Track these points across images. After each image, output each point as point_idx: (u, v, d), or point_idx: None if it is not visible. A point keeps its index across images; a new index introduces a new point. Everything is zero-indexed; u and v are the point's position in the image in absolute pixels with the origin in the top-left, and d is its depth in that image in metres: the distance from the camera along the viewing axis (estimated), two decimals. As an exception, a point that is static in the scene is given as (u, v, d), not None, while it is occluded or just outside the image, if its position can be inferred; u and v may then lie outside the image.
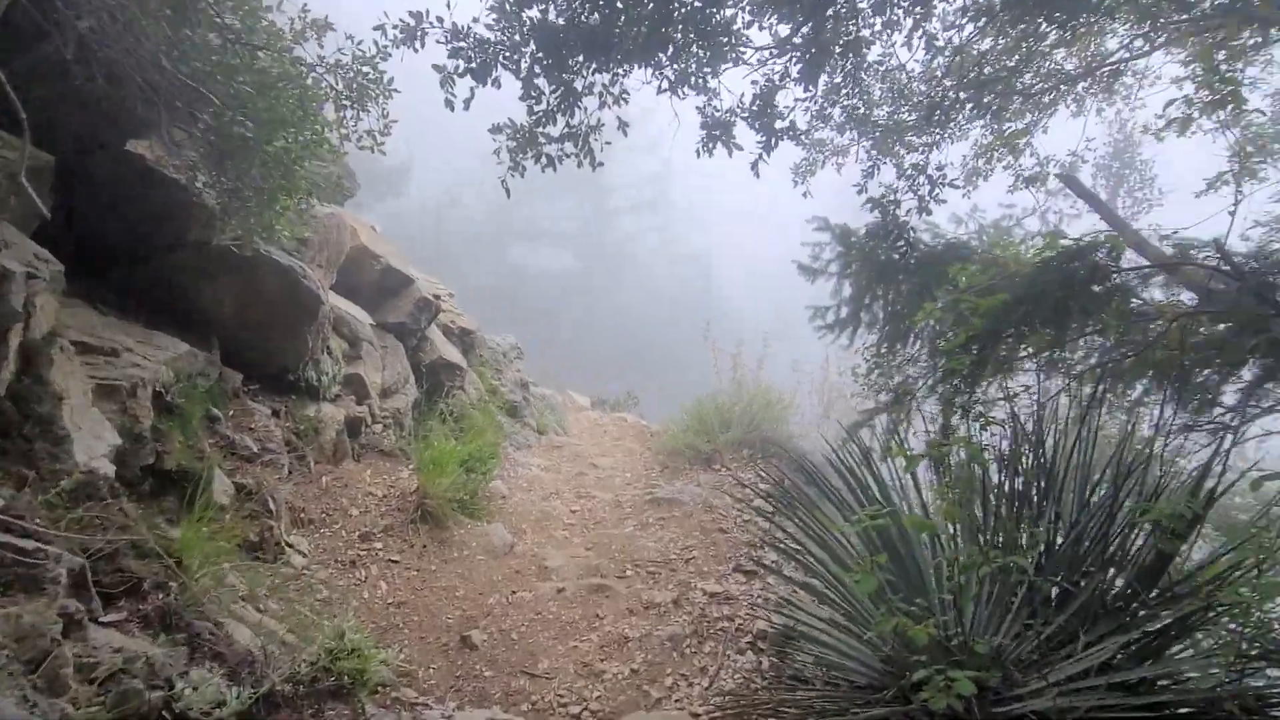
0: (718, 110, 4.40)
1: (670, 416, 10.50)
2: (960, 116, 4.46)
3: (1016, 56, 4.38)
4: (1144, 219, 9.69)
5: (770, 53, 3.94)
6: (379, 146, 3.44)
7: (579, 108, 3.68)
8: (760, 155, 4.17)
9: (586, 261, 40.89)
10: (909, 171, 4.26)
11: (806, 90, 4.01)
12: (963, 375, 2.53)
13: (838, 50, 4.06)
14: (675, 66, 3.91)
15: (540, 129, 3.67)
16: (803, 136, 4.39)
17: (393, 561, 4.55)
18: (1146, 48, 5.09)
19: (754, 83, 4.24)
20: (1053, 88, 5.13)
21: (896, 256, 4.31)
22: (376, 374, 5.66)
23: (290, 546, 4.21)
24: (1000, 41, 4.46)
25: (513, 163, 3.78)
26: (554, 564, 4.81)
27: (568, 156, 3.84)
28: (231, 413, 4.36)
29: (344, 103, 3.22)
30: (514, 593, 4.43)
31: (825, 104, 4.42)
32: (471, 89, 3.44)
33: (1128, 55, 5.18)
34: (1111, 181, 9.62)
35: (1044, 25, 4.16)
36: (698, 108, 4.36)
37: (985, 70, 4.33)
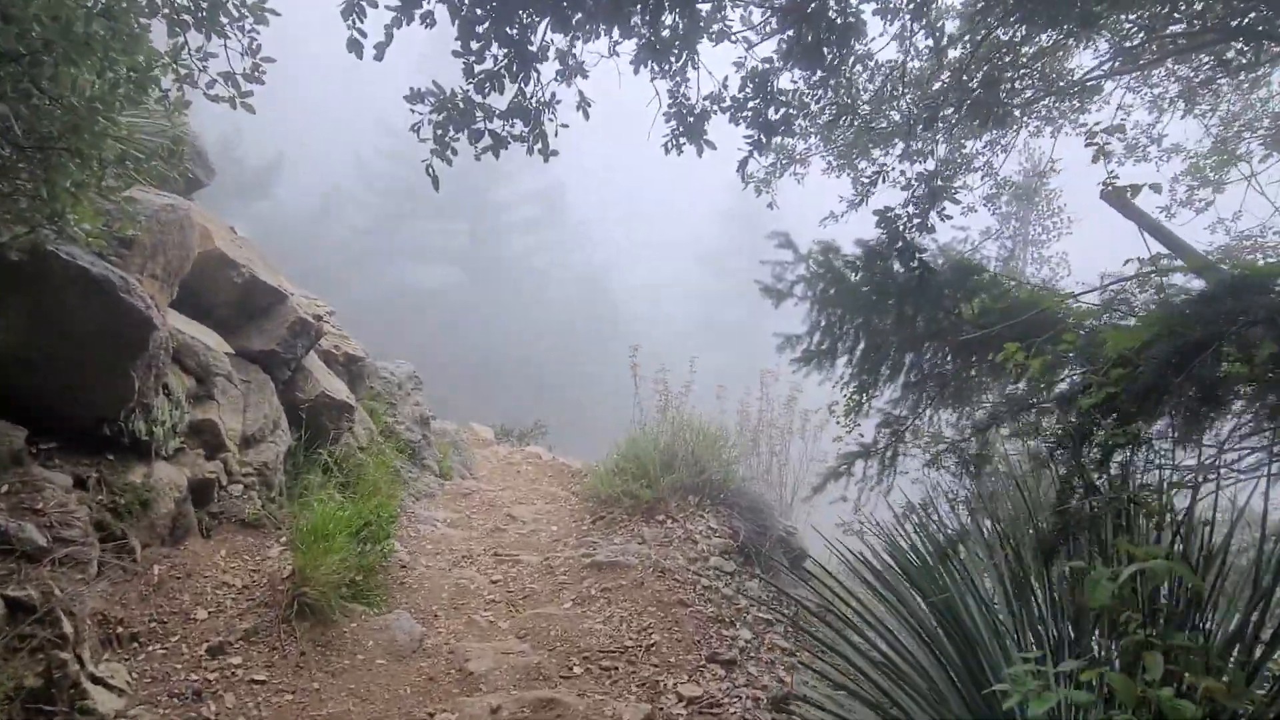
0: (686, 100, 3.61)
1: (593, 453, 9.55)
2: (959, 121, 3.93)
3: (1023, 57, 3.91)
4: (1054, 245, 9.94)
5: (767, 26, 3.19)
6: (242, 98, 2.32)
7: (535, 71, 2.74)
8: (750, 153, 3.40)
9: (478, 280, 39.12)
10: (912, 181, 3.65)
11: (808, 74, 3.29)
12: (1103, 442, 1.87)
13: (833, 34, 3.38)
14: (647, 33, 3.07)
15: (481, 96, 2.69)
16: (799, 130, 3.67)
17: (257, 682, 3.31)
18: (1119, 64, 4.84)
19: (737, 64, 3.48)
20: (1031, 100, 4.75)
21: (898, 277, 3.67)
22: (235, 418, 4.35)
23: (98, 682, 2.90)
24: (1015, 36, 3.97)
25: (438, 143, 2.77)
26: (480, 666, 3.72)
27: (516, 140, 2.88)
28: (5, 488, 2.99)
29: (184, 19, 2.08)
30: (431, 717, 3.32)
31: (814, 99, 3.74)
32: (390, 27, 2.42)
33: (1101, 73, 4.89)
34: (1022, 208, 9.73)
35: (1052, 30, 3.70)
36: (669, 92, 3.54)
37: (990, 70, 3.81)
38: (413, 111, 2.74)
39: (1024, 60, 4.50)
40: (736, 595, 4.71)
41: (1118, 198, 3.08)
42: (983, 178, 5.49)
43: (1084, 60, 5.49)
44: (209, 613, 3.50)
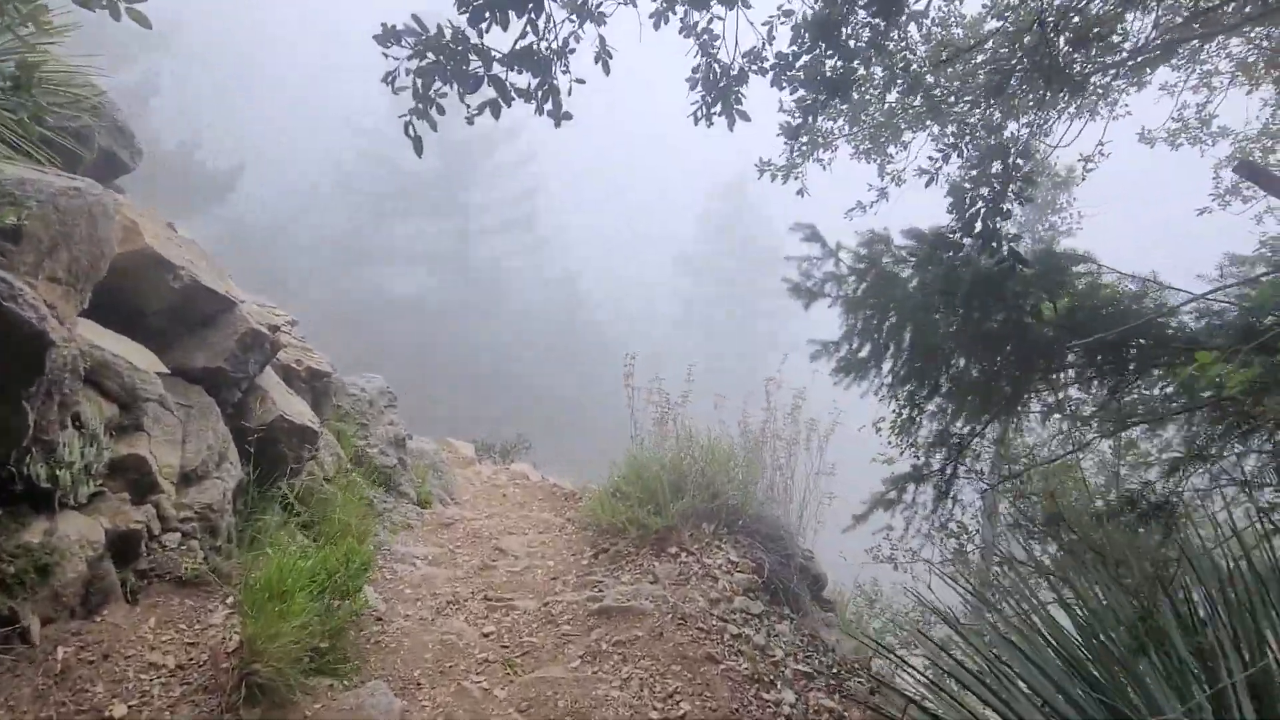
0: (717, 62, 2.98)
1: (584, 471, 8.86)
2: (1035, 87, 3.34)
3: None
4: (1063, 242, 9.49)
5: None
6: (129, 1, 1.60)
7: (544, 4, 2.08)
8: (804, 119, 2.77)
9: (455, 285, 38.12)
10: (983, 158, 3.05)
11: (878, 20, 2.67)
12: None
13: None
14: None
15: (478, 35, 2.02)
16: (834, 107, 3.06)
17: (190, 798, 2.58)
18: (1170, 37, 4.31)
19: (784, 13, 2.85)
20: (1087, 74, 4.18)
21: (969, 270, 3.07)
22: (171, 452, 3.59)
23: (-38, 825, 2.16)
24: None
25: (421, 98, 2.09)
26: (476, 755, 3.03)
27: (521, 95, 2.21)
28: None
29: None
30: (417, 837, 2.61)
31: (871, 58, 3.12)
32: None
33: (1156, 46, 4.35)
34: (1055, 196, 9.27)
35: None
36: (701, 47, 2.90)
37: (1064, 32, 3.23)
38: (385, 56, 2.05)
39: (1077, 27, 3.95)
40: (769, 644, 4.06)
41: (1252, 169, 2.52)
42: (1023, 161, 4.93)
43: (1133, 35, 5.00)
44: (129, 707, 2.75)
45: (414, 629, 4.13)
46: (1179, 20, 4.10)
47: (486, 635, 4.15)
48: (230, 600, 3.45)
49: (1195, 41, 4.47)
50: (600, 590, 4.49)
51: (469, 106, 2.25)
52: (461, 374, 33.73)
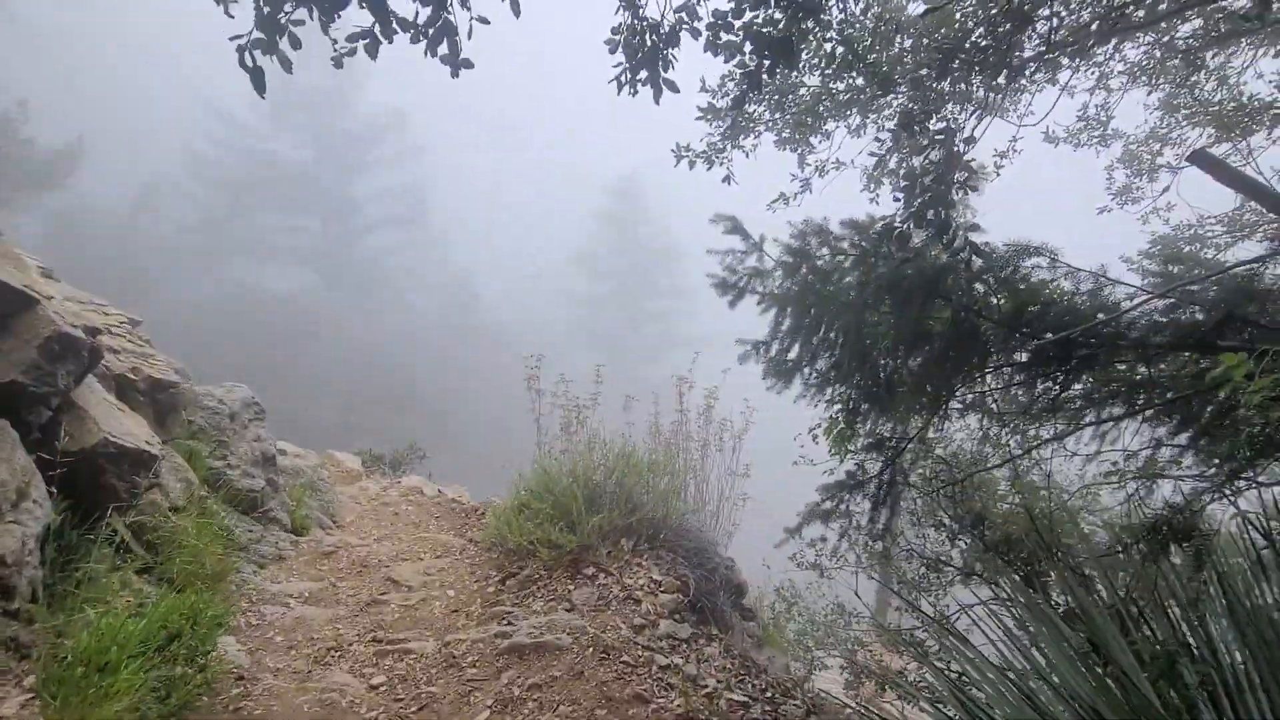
0: (644, 20, 2.58)
1: (486, 484, 8.25)
2: (976, 71, 3.17)
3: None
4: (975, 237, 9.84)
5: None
6: None
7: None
8: (744, 90, 2.42)
9: (333, 283, 35.65)
10: (928, 143, 2.83)
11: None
12: None
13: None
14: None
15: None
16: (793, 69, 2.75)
17: None
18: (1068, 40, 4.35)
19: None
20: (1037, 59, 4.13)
21: (917, 264, 2.85)
22: (-58, 493, 2.76)
23: None
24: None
25: (266, 21, 1.55)
26: None
27: (405, 30, 1.70)
28: None
29: None
30: None
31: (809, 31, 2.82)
32: None
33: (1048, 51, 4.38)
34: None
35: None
36: (625, 3, 2.49)
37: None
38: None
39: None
40: (700, 672, 3.72)
41: (1206, 159, 2.43)
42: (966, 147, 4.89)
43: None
44: None
45: (286, 687, 3.46)
46: (1086, 18, 4.11)
47: (375, 688, 3.55)
48: (28, 683, 2.68)
49: (1096, 42, 4.54)
50: (510, 624, 3.99)
51: (335, 44, 1.72)
52: (345, 381, 31.59)
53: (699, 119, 3.83)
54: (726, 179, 3.96)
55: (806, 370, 3.71)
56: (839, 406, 3.65)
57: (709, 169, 4.03)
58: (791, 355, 3.72)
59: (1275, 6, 3.01)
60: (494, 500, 6.72)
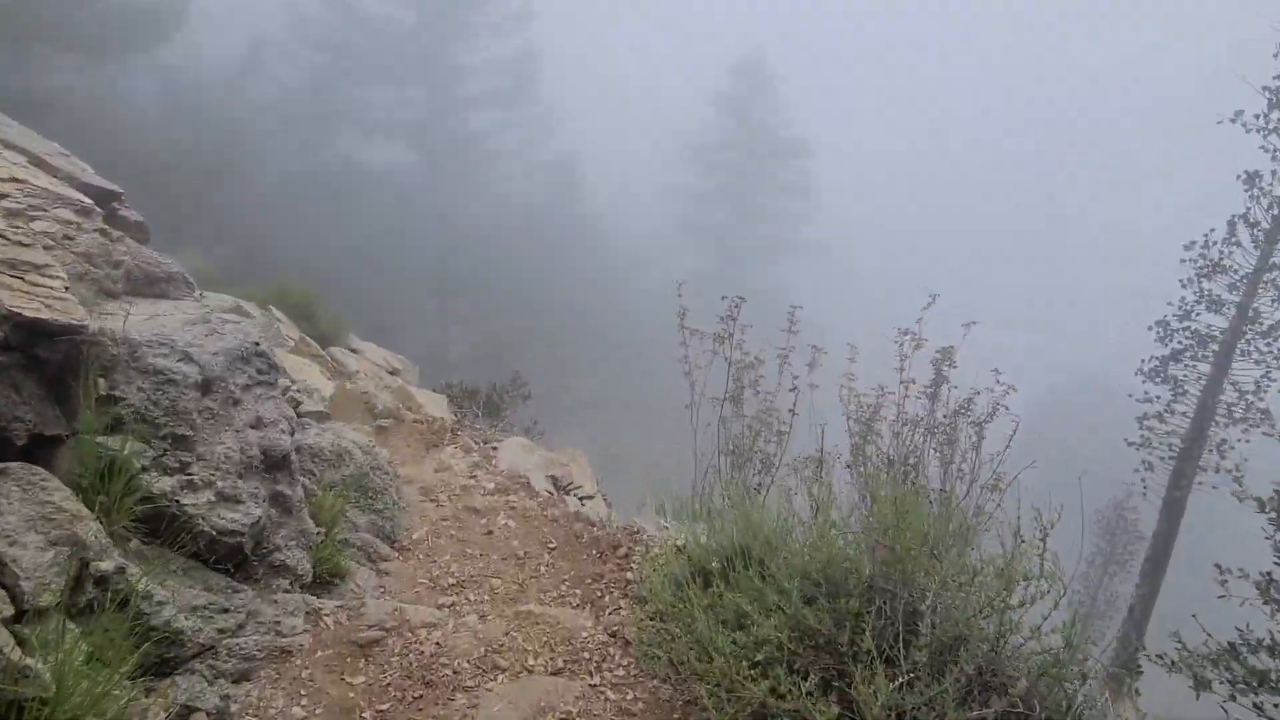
0: None
1: (617, 460, 5.94)
2: None
3: None
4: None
5: None
6: None
7: None
8: None
9: (434, 161, 33.46)
10: None
11: None
12: None
13: None
14: None
15: None
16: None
17: None
18: None
19: None
20: None
21: None
22: None
23: None
24: None
25: None
26: None
27: None
28: None
29: None
30: None
31: None
32: None
33: None
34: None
35: None
36: None
37: None
38: None
39: None
40: None
41: None
42: None
43: None
44: None
45: None
46: None
47: None
48: None
49: None
50: None
51: None
52: (437, 268, 30.01)
53: None
54: None
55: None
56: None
57: None
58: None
59: None
60: (639, 522, 4.30)
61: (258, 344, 3.05)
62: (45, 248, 2.82)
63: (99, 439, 2.39)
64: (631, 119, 55.57)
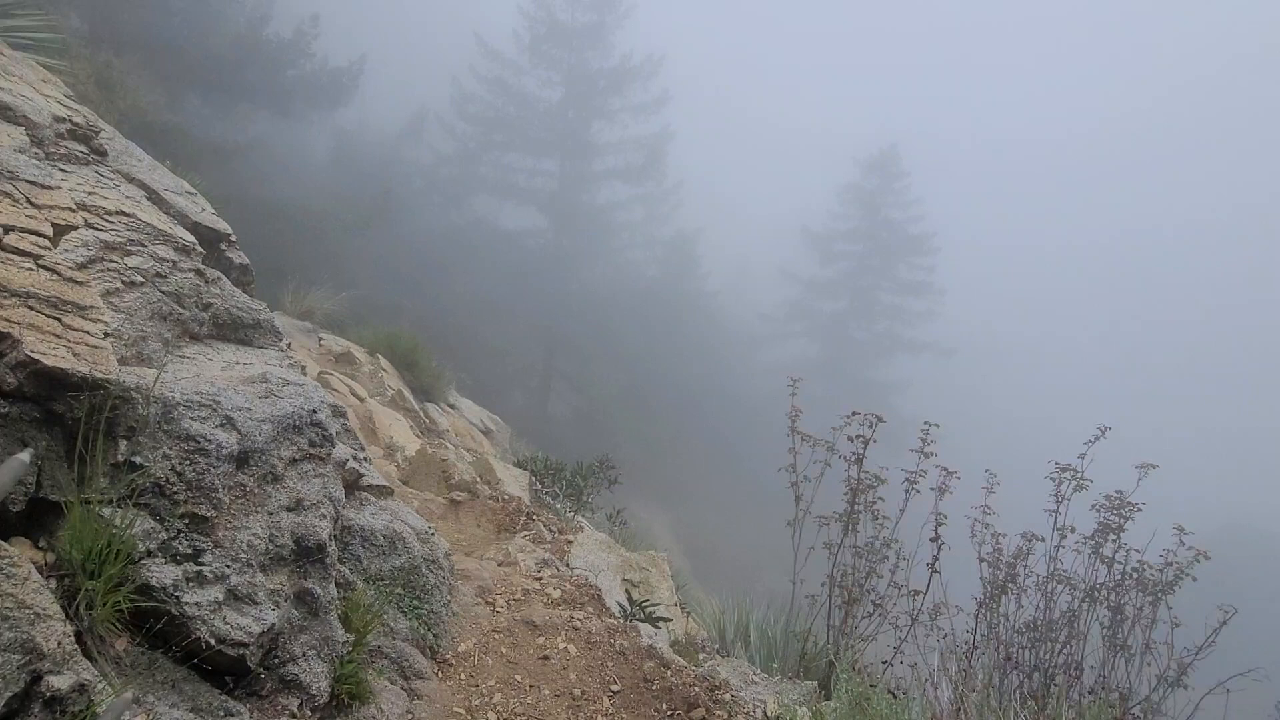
0: None
1: (714, 564, 5.26)
2: None
3: None
4: None
5: None
6: None
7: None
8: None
9: (562, 226, 34.84)
10: None
11: None
12: None
13: None
14: None
15: None
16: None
17: None
18: None
19: None
20: None
21: None
22: None
23: None
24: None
25: None
26: None
27: None
28: None
29: None
30: None
31: None
32: None
33: None
34: None
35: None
36: None
37: None
38: None
39: None
40: None
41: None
42: None
43: None
44: None
45: None
46: None
47: None
48: None
49: None
50: None
51: None
52: (543, 335, 30.63)
53: None
54: None
55: None
56: None
57: None
58: None
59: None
60: (722, 671, 3.55)
61: (315, 411, 2.68)
62: (118, 287, 2.62)
63: (105, 511, 2.04)
64: (754, 200, 56.14)
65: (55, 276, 2.10)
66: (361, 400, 7.03)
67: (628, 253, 37.41)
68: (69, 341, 1.95)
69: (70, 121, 3.28)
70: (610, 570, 5.01)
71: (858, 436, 4.73)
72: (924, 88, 67.82)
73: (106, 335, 2.07)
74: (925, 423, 4.80)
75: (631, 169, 35.91)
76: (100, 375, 1.94)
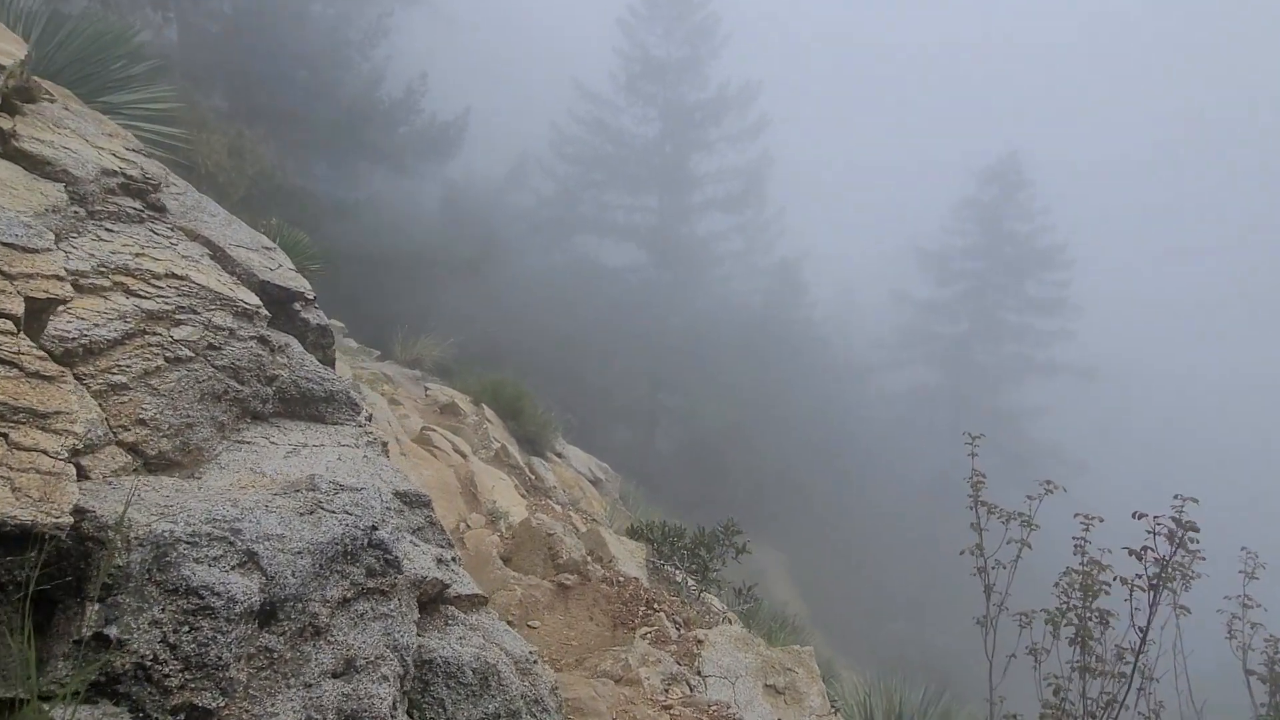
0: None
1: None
2: None
3: None
4: None
5: None
6: None
7: None
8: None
9: (662, 261, 34.47)
10: None
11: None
12: None
13: None
14: None
15: None
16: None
17: None
18: None
19: None
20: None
21: None
22: None
23: None
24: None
25: None
26: None
27: None
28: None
29: None
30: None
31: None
32: None
33: None
34: None
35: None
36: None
37: None
38: None
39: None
40: None
41: None
42: None
43: None
44: None
45: None
46: None
47: None
48: None
49: None
50: None
51: None
52: (648, 371, 30.04)
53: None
54: None
55: None
56: None
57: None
58: None
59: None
60: None
61: (375, 528, 1.99)
62: (160, 365, 2.06)
63: (59, 713, 1.39)
64: (861, 223, 53.68)
65: (15, 372, 1.51)
66: (465, 458, 6.51)
67: (731, 283, 36.42)
68: (9, 469, 1.33)
69: (124, 175, 2.86)
70: (749, 675, 4.09)
71: (1079, 539, 3.60)
72: (1047, 101, 63.04)
73: (72, 455, 1.45)
74: (1179, 497, 3.60)
75: (731, 198, 35.16)
76: (44, 519, 1.31)
